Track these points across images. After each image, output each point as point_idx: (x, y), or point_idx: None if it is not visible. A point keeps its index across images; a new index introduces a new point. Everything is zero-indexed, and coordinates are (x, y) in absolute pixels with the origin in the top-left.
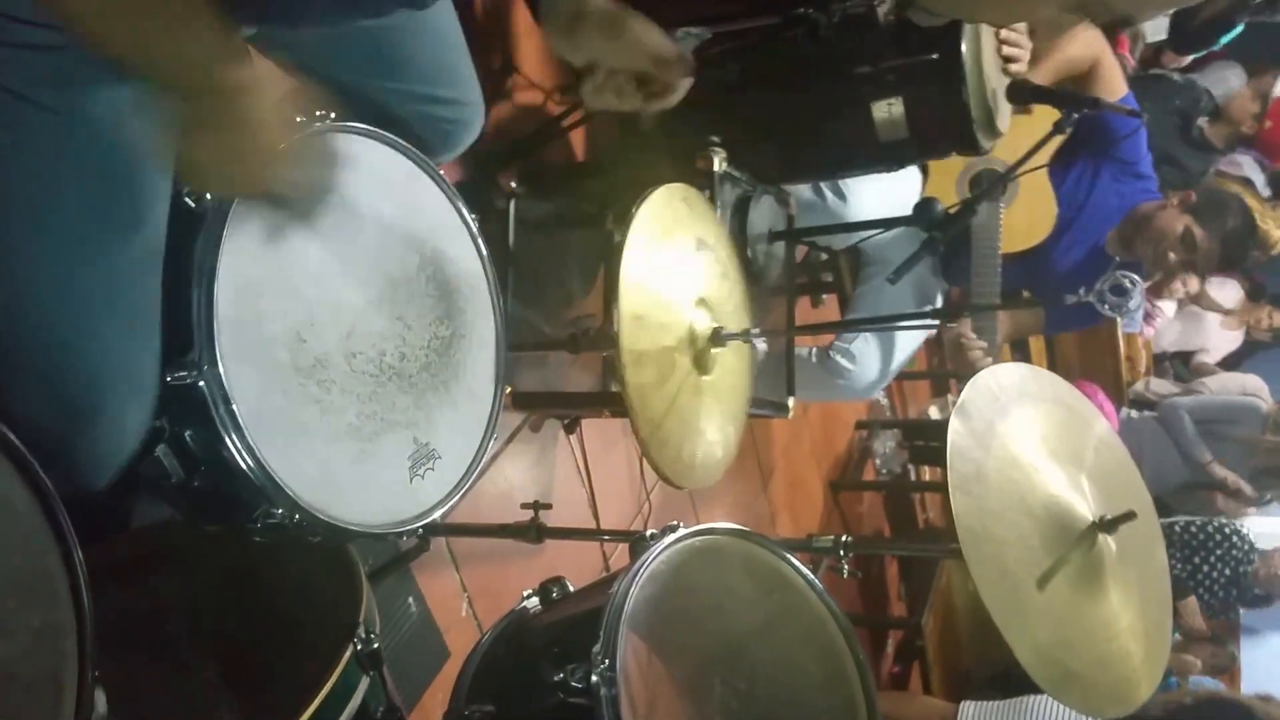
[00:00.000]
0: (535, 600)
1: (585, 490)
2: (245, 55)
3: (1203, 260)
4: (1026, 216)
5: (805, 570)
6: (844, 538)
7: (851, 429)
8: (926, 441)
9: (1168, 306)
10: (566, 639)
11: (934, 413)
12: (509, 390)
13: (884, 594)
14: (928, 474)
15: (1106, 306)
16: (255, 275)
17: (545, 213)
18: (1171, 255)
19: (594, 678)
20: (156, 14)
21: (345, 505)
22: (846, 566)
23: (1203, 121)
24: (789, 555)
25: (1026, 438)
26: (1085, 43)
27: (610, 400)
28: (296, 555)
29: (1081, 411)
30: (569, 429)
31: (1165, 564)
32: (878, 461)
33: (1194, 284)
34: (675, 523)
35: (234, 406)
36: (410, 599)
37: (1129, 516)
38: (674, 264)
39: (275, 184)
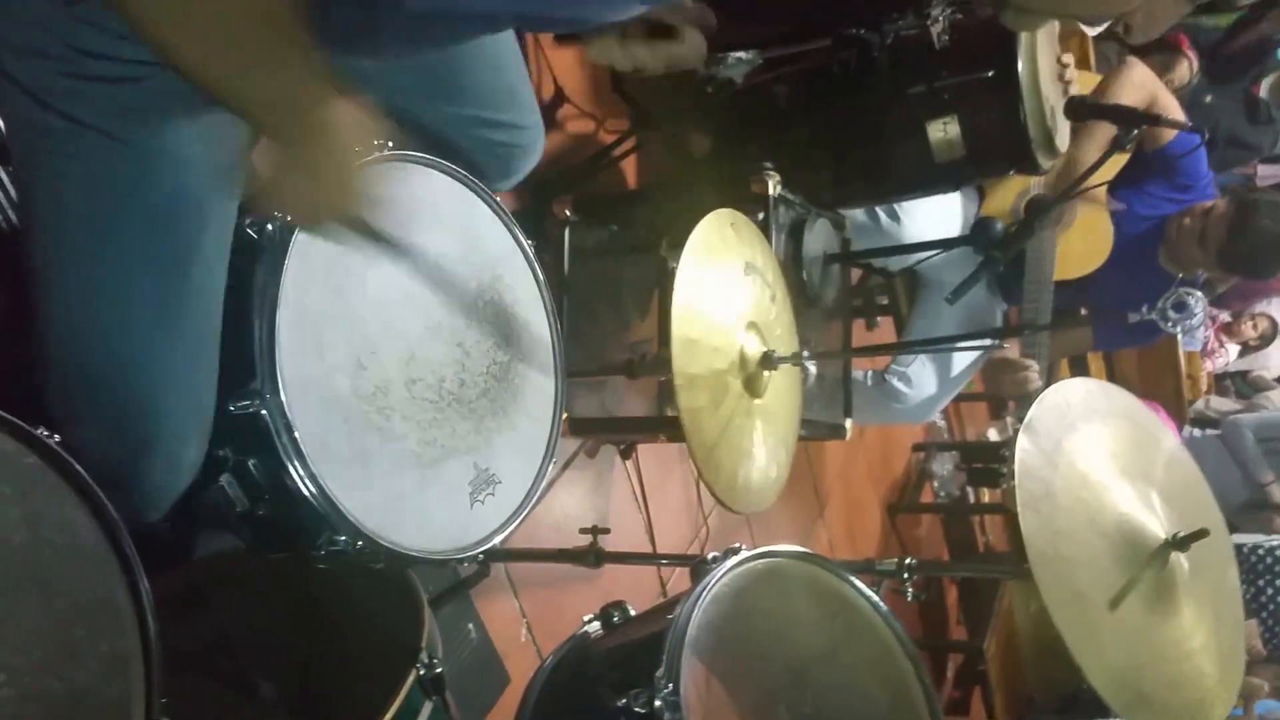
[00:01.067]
0: (596, 625)
1: (642, 515)
2: (332, 85)
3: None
4: (1082, 244)
5: (870, 593)
6: (908, 560)
7: (908, 452)
8: (985, 464)
9: (1232, 349)
10: (628, 664)
11: (993, 435)
12: (565, 416)
13: (943, 618)
14: (986, 496)
15: (1169, 324)
16: (316, 304)
17: (599, 241)
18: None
19: (657, 703)
20: (253, 43)
21: (407, 532)
22: (911, 589)
23: (1267, 91)
24: (852, 578)
25: (1095, 455)
26: (1137, 84)
27: (666, 425)
28: (358, 581)
29: (1149, 427)
30: (625, 454)
31: (1237, 583)
32: (935, 484)
33: (1264, 325)
34: (737, 545)
35: (296, 434)
36: (470, 625)
37: (1202, 534)
38: (723, 288)
39: (345, 215)
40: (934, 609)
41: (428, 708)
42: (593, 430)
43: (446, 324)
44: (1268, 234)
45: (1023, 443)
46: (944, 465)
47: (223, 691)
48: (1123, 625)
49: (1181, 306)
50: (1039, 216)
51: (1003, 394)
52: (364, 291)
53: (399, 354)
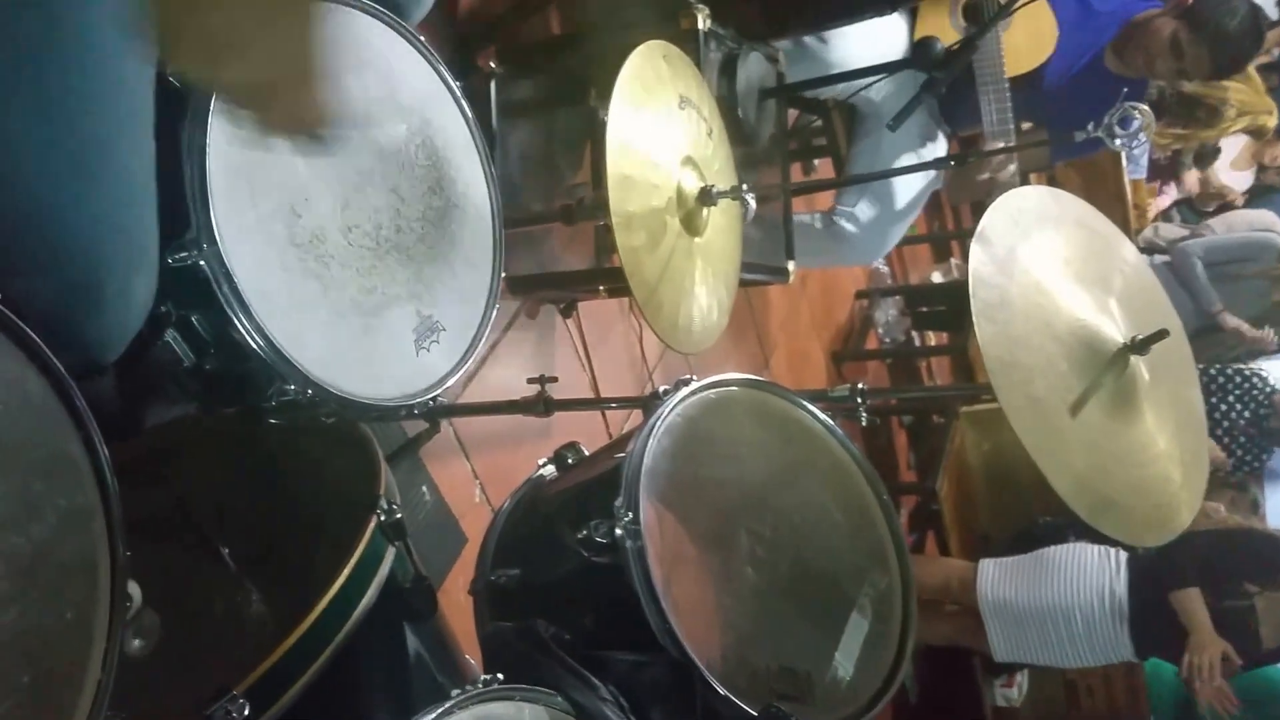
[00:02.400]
0: (551, 468)
1: (587, 374)
2: None
3: (1192, 67)
4: (1025, 38)
5: (823, 416)
6: (860, 385)
7: (852, 299)
8: (930, 307)
9: (1187, 177)
10: (587, 499)
11: (937, 277)
12: (503, 274)
13: (894, 462)
14: (932, 339)
15: (1116, 141)
16: (244, 152)
17: (527, 92)
18: (1160, 63)
19: (618, 531)
20: None
21: (355, 380)
22: (865, 415)
23: None
24: (805, 402)
25: (1050, 262)
26: None
27: (605, 276)
28: (313, 439)
29: (1106, 234)
30: (565, 313)
31: (1198, 390)
32: (880, 330)
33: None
34: (688, 376)
35: (236, 284)
36: (424, 488)
37: (1161, 335)
38: (658, 123)
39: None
40: (884, 454)
41: (391, 553)
42: (531, 288)
43: (379, 170)
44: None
45: (976, 251)
46: (888, 311)
47: (187, 554)
48: (1084, 431)
49: (1128, 121)
50: (987, 25)
51: (973, 196)
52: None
53: (333, 200)
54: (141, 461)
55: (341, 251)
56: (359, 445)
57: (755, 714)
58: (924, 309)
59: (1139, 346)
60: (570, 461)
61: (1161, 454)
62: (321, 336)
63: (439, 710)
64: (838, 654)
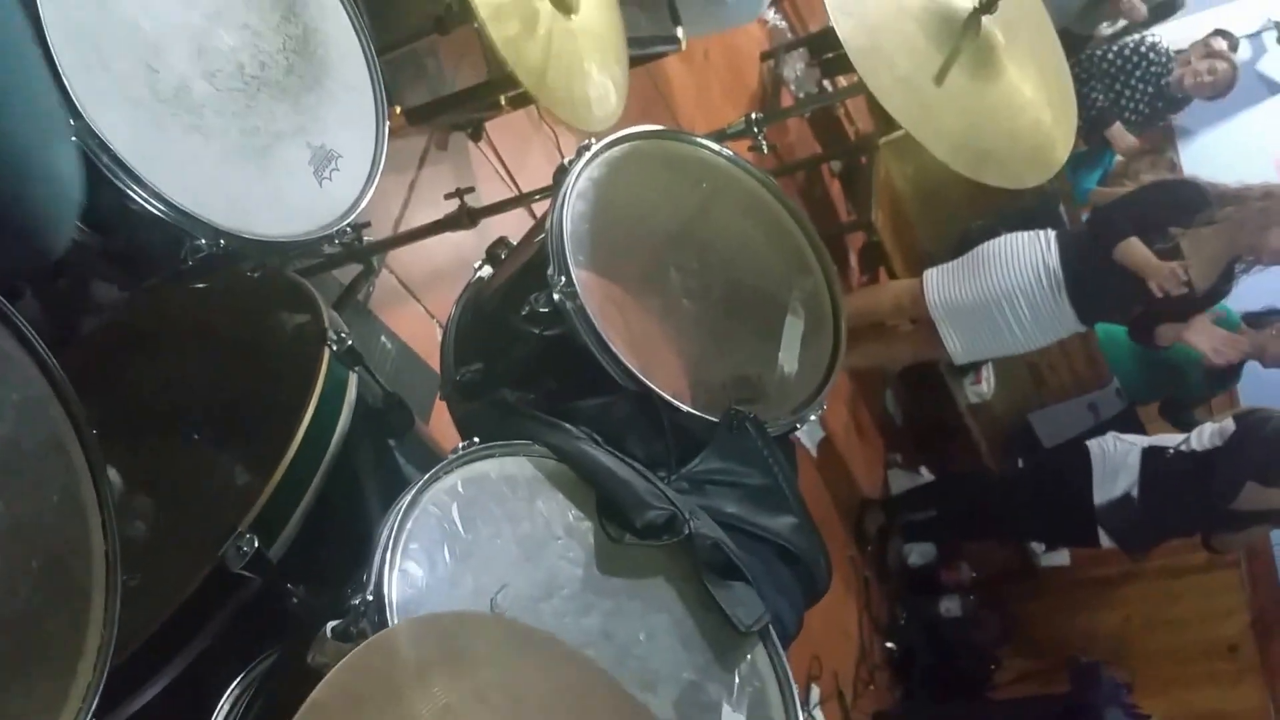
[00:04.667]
0: (487, 267)
1: (513, 191)
2: None
3: None
4: None
5: (721, 148)
6: (754, 115)
7: (758, 63)
8: (835, 51)
9: None
10: (523, 279)
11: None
12: (399, 109)
13: (833, 209)
14: (844, 82)
15: None
16: (82, 18)
17: None
18: None
19: (556, 297)
20: None
21: (265, 221)
22: (764, 142)
23: None
24: (702, 139)
25: None
26: None
27: (498, 86)
28: (247, 299)
29: None
30: (474, 136)
31: (1054, 33)
32: (793, 87)
33: None
34: (588, 141)
35: (115, 152)
36: (383, 338)
37: None
38: None
39: None
40: (822, 204)
41: (353, 379)
42: (431, 115)
43: (224, 8)
44: None
45: None
46: (795, 65)
47: (160, 445)
48: (952, 97)
49: None
50: None
51: None
52: None
53: (185, 49)
54: (88, 366)
55: (212, 99)
56: (293, 292)
57: (717, 420)
58: (829, 55)
59: (986, 7)
60: (503, 256)
61: (1030, 101)
62: (217, 186)
63: (421, 480)
64: (781, 354)
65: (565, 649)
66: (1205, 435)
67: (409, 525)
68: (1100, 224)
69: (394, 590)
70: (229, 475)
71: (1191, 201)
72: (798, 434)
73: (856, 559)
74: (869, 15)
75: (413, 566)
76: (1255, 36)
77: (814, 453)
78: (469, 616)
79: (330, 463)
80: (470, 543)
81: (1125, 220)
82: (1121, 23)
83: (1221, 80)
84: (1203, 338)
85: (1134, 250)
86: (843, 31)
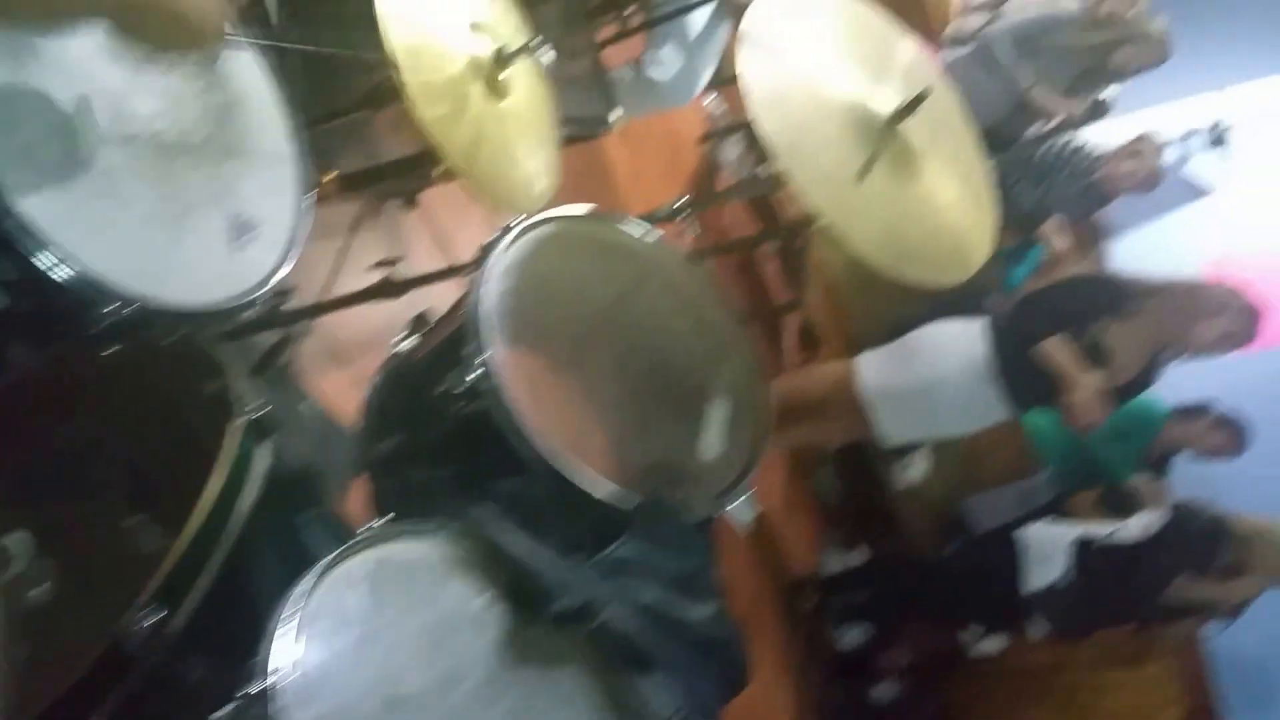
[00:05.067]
0: (409, 340)
1: (447, 264)
2: None
3: None
4: None
5: (650, 232)
6: (684, 199)
7: (696, 146)
8: None
9: None
10: (443, 357)
11: None
12: (330, 176)
13: (767, 291)
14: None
15: None
16: None
17: None
18: None
19: (475, 375)
20: None
21: (177, 289)
22: (695, 226)
23: None
24: (631, 222)
25: (822, 48)
26: None
27: (435, 158)
28: (159, 369)
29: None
30: (409, 203)
31: (974, 137)
32: (730, 170)
33: None
34: (515, 219)
35: (22, 215)
36: (304, 404)
37: (921, 97)
38: None
39: None
40: (758, 284)
41: (264, 449)
42: (365, 184)
43: (144, 74)
44: None
45: (743, 55)
46: (732, 149)
47: (67, 504)
48: (873, 196)
49: None
50: None
51: None
52: (46, 55)
53: (104, 114)
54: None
55: (127, 164)
56: (206, 360)
57: (637, 504)
58: None
59: (903, 113)
60: (426, 330)
61: (952, 202)
62: (130, 252)
63: (327, 560)
64: (705, 438)
65: None
66: (1136, 526)
67: (311, 607)
68: (1023, 318)
69: (289, 677)
70: (135, 543)
71: (1110, 293)
72: (732, 513)
73: (788, 640)
74: (792, 114)
75: (312, 652)
76: (1182, 141)
77: (747, 531)
78: None
79: (237, 534)
80: (374, 627)
81: (1046, 318)
82: (1051, 123)
83: (1146, 177)
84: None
85: (1055, 356)
86: (769, 128)
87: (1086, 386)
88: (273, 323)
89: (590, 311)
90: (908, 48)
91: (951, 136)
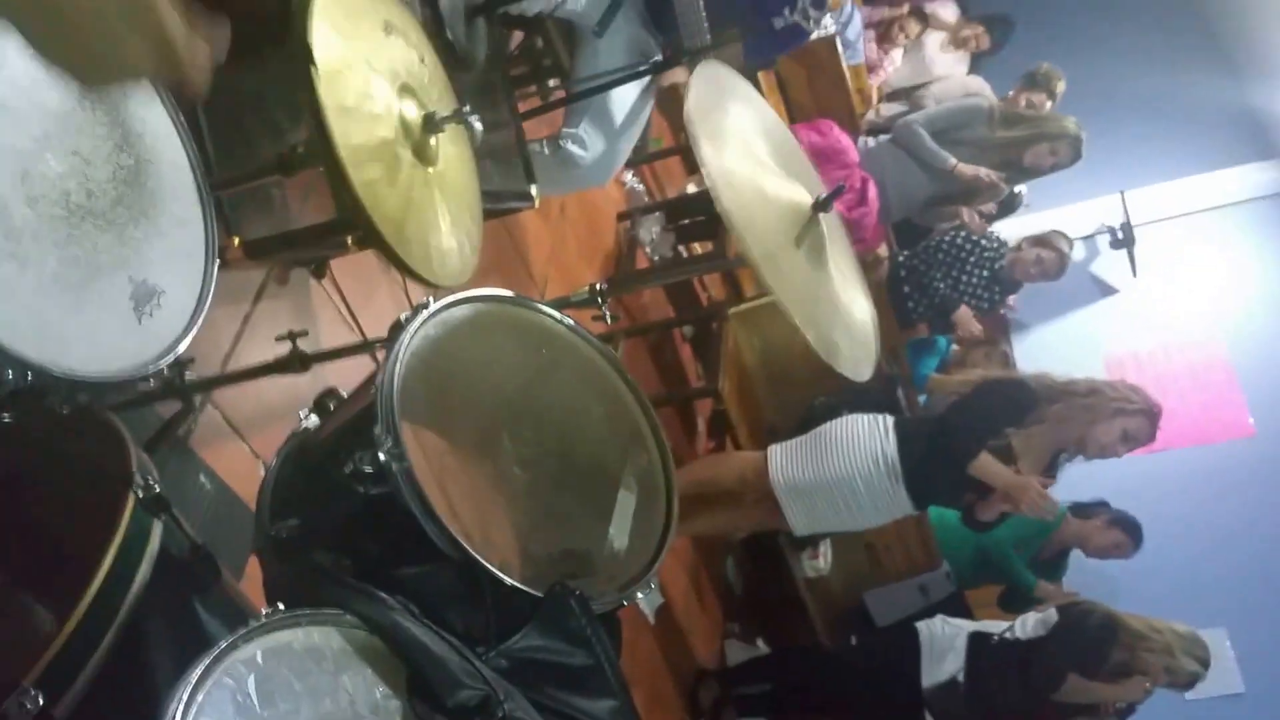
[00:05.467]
0: (314, 417)
1: (356, 334)
2: None
3: None
4: None
5: (563, 317)
6: (598, 284)
7: (615, 223)
8: (691, 218)
9: (896, 54)
10: (349, 435)
11: (692, 188)
12: (238, 242)
13: (682, 374)
14: (699, 248)
15: (812, 22)
16: None
17: (223, 38)
18: None
19: (382, 457)
20: None
21: (77, 356)
22: (608, 312)
23: None
24: (543, 306)
25: (751, 134)
26: None
27: (344, 226)
28: (54, 439)
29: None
30: (318, 273)
31: (850, 251)
32: (648, 250)
33: (913, 29)
34: (426, 299)
35: None
36: (201, 477)
37: (839, 191)
38: (368, 51)
39: None
40: (672, 367)
41: (157, 527)
42: (272, 250)
43: (55, 133)
44: None
45: (700, 135)
46: (651, 228)
47: None
48: (805, 280)
49: (820, 4)
50: None
51: None
52: None
53: (10, 173)
54: None
55: (31, 225)
56: (102, 431)
57: (541, 595)
58: (685, 221)
59: (822, 205)
60: (331, 407)
61: (851, 301)
62: (30, 318)
63: (217, 649)
64: (612, 529)
65: None
66: (1030, 624)
67: (199, 698)
68: (950, 434)
69: None
70: (19, 623)
71: (1024, 402)
72: (637, 600)
73: None
74: (744, 196)
75: None
76: (1090, 239)
77: (652, 619)
78: None
79: (127, 617)
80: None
81: (973, 434)
82: (963, 217)
83: (1050, 266)
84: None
85: (988, 470)
86: (728, 204)
87: (1031, 488)
88: (172, 393)
89: (503, 395)
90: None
91: (840, 242)
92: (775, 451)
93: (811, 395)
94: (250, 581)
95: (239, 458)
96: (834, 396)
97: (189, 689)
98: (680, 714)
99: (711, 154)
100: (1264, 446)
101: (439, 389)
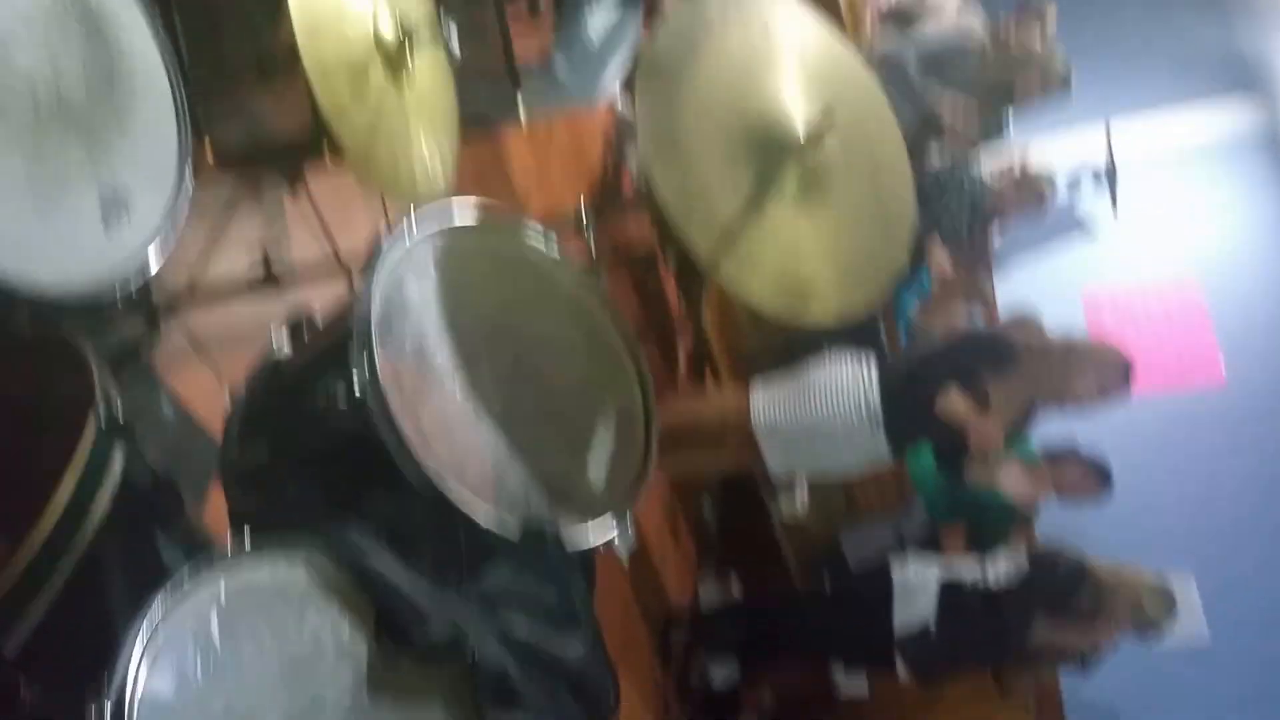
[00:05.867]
0: (285, 341)
1: (330, 255)
2: None
3: None
4: None
5: (546, 243)
6: (583, 209)
7: (601, 146)
8: None
9: None
10: (323, 361)
11: None
12: (210, 148)
13: (665, 304)
14: None
15: None
16: None
17: None
18: None
19: (356, 383)
20: None
21: (41, 270)
22: (592, 238)
23: None
24: (526, 231)
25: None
26: None
27: (319, 138)
28: (13, 358)
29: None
30: (292, 186)
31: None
32: (634, 175)
33: None
34: (409, 219)
35: None
36: (165, 404)
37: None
38: None
39: None
40: (655, 297)
41: (118, 455)
42: (246, 159)
43: (23, 31)
44: None
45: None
46: (638, 154)
47: None
48: (774, 234)
49: None
50: None
51: None
52: None
53: None
54: None
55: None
56: (65, 351)
57: (515, 534)
58: None
59: (813, 139)
60: (304, 331)
61: (862, 219)
62: None
63: (180, 583)
64: (590, 464)
65: None
66: (1000, 566)
67: (160, 634)
68: (921, 374)
69: (136, 704)
70: None
71: (1002, 354)
72: (612, 539)
73: (658, 678)
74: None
75: (159, 681)
76: (1072, 178)
77: (625, 561)
78: None
79: (85, 548)
80: (228, 659)
81: (943, 370)
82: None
83: (1034, 199)
84: (1016, 483)
85: (955, 405)
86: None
87: (992, 430)
88: (136, 312)
89: (483, 322)
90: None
91: (870, 140)
92: (758, 396)
93: (791, 323)
94: (213, 514)
95: (205, 384)
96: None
97: (150, 624)
98: (651, 657)
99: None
100: (1234, 396)
101: (418, 314)
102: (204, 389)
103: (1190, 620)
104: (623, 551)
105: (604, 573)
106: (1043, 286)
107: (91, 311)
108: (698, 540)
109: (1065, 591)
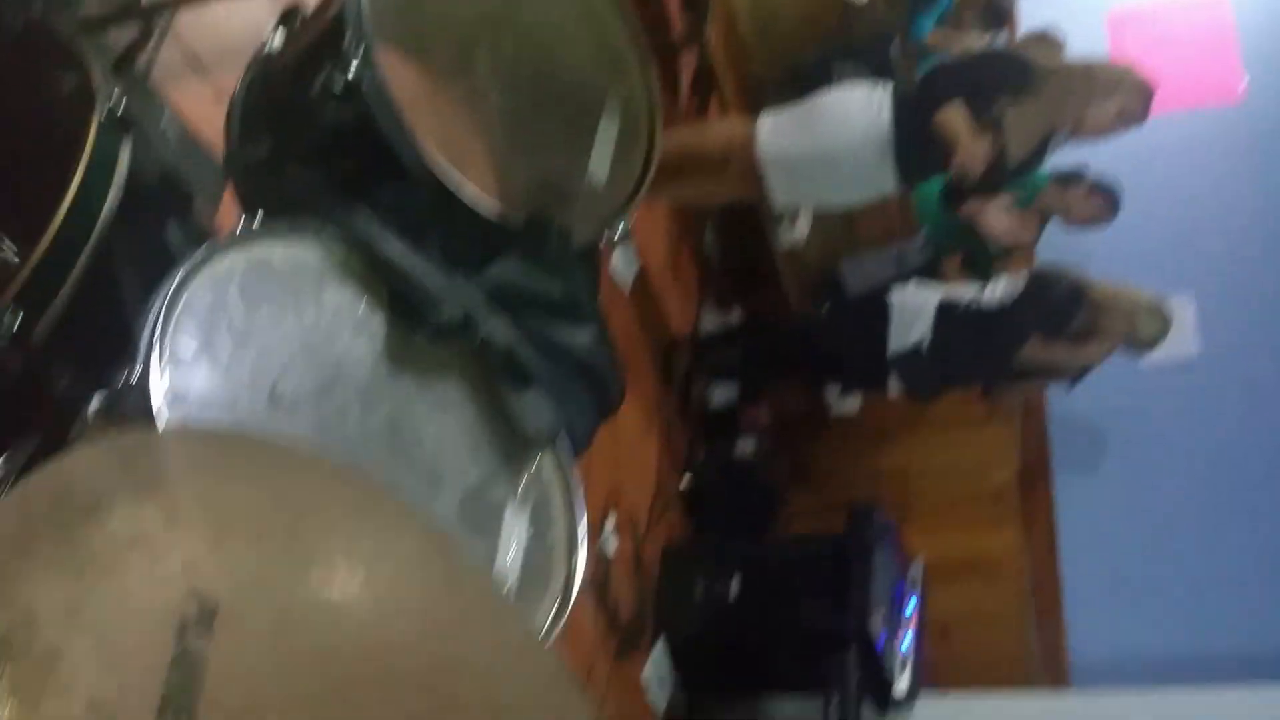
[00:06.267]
0: (277, 38)
1: None
2: None
3: None
4: None
5: None
6: None
7: None
8: None
9: None
10: (319, 50)
11: None
12: None
13: (668, 23)
14: None
15: None
16: None
17: None
18: None
19: (353, 70)
20: None
21: None
22: None
23: None
24: None
25: None
26: None
27: None
28: (9, 60)
29: None
30: None
31: None
32: None
33: None
34: None
35: None
36: (164, 120)
37: None
38: None
39: None
40: (658, 15)
41: (125, 149)
42: None
43: None
44: None
45: None
46: None
47: None
48: None
49: None
50: None
51: None
52: None
53: None
54: None
55: None
56: (62, 50)
57: (521, 223)
58: None
59: None
60: (297, 24)
61: None
62: None
63: (200, 254)
64: (592, 160)
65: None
66: (999, 290)
67: (182, 300)
68: (931, 89)
69: (164, 369)
70: None
71: (1019, 76)
72: (613, 266)
73: (661, 398)
74: None
75: (186, 344)
76: None
77: (628, 288)
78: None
79: (100, 238)
80: (250, 327)
81: (954, 84)
82: None
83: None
84: (996, 222)
85: (953, 119)
86: None
87: (977, 148)
88: (130, 15)
89: (479, 11)
90: None
91: None
92: (765, 122)
93: (801, 45)
94: (222, 218)
95: (205, 99)
96: (824, 48)
97: (173, 289)
98: (653, 381)
99: None
100: (1251, 116)
101: (412, 6)
102: (202, 104)
103: (1182, 339)
104: (626, 278)
105: (607, 301)
106: (1067, 4)
107: (81, 14)
108: (700, 271)
109: (1061, 311)
